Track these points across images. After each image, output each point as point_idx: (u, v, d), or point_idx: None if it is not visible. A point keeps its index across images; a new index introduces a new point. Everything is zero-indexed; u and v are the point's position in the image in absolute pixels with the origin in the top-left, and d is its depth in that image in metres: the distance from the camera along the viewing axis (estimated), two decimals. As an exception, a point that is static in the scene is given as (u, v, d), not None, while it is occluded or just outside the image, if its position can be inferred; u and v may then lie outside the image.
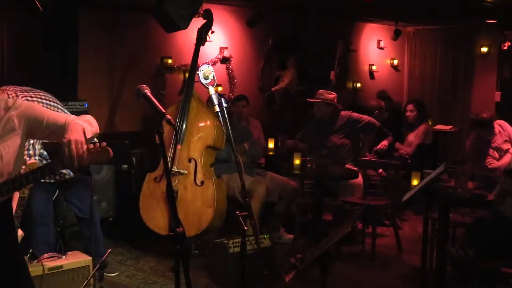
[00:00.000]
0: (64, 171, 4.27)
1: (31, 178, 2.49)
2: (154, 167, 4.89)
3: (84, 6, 5.77)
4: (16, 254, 2.69)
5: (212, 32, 5.63)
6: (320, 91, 6.12)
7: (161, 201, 4.75)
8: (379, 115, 6.99)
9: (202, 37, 5.13)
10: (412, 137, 7.03)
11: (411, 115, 6.99)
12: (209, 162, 4.88)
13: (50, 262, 3.84)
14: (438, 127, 8.55)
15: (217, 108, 2.80)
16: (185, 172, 4.73)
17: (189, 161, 4.75)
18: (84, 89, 5.82)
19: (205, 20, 5.16)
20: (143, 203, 4.85)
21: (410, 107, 7.04)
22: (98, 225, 4.62)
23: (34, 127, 2.60)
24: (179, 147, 4.75)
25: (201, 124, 4.85)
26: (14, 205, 3.42)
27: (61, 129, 2.62)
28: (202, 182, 4.72)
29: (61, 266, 3.85)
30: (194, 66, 5.03)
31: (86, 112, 5.36)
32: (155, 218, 4.78)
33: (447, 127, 8.70)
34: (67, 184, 4.39)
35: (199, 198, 4.71)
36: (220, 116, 2.82)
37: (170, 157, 4.62)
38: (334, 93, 6.11)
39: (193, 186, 4.72)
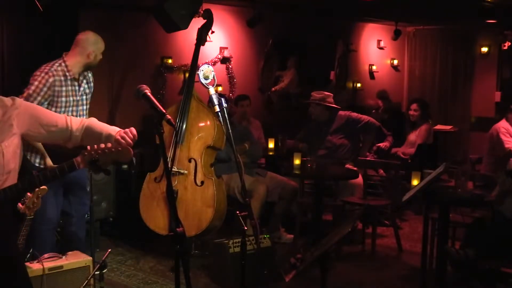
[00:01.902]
0: None
1: (50, 175, 2.50)
2: (154, 167, 4.89)
3: (84, 6, 5.77)
4: (13, 256, 2.70)
5: (212, 32, 5.62)
6: (312, 92, 6.13)
7: (161, 201, 4.75)
8: (377, 114, 7.00)
9: (202, 37, 5.13)
10: (413, 137, 7.03)
11: (415, 114, 7.00)
12: (209, 162, 4.87)
13: (50, 262, 3.83)
14: (438, 127, 8.55)
15: (217, 108, 2.80)
16: (185, 172, 4.72)
17: (189, 161, 4.75)
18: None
19: (205, 20, 5.16)
20: (143, 203, 4.84)
21: (414, 106, 7.04)
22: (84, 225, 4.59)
23: (33, 128, 2.61)
24: (179, 147, 4.75)
25: (201, 124, 4.85)
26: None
27: (61, 131, 2.64)
28: (202, 182, 4.72)
29: (61, 266, 3.85)
30: (194, 66, 5.03)
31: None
32: (155, 218, 4.78)
33: (447, 127, 8.70)
34: (71, 180, 4.30)
35: (199, 198, 4.71)
36: (220, 116, 2.82)
37: (170, 157, 4.62)
38: (324, 93, 6.07)
39: (193, 186, 4.72)
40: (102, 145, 2.44)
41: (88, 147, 2.46)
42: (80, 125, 2.69)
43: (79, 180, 4.42)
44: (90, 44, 4.17)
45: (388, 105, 8.04)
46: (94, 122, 2.72)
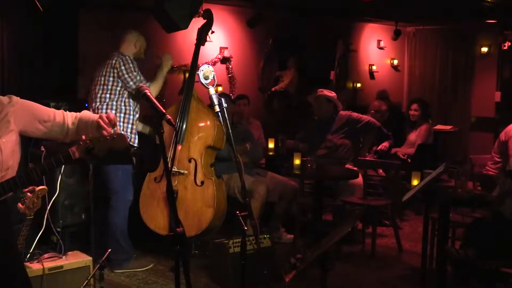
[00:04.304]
0: None
1: (46, 167, 2.51)
2: (154, 167, 4.88)
3: (84, 6, 5.77)
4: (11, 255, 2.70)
5: (212, 32, 5.61)
6: (320, 89, 6.14)
7: (161, 201, 4.75)
8: (377, 116, 6.97)
9: (202, 37, 5.13)
10: (413, 137, 7.03)
11: (415, 114, 6.99)
12: (209, 162, 4.87)
13: (50, 262, 3.84)
14: (438, 127, 8.55)
15: (217, 108, 2.80)
16: (185, 172, 4.73)
17: (189, 161, 4.75)
18: (84, 89, 5.82)
19: (205, 20, 5.16)
20: (143, 203, 4.85)
21: (414, 106, 7.03)
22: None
23: (30, 124, 2.62)
24: (179, 147, 4.75)
25: (201, 124, 4.85)
26: None
27: (59, 126, 2.66)
28: (202, 182, 4.72)
29: (61, 266, 3.86)
30: (194, 66, 5.03)
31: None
32: (155, 218, 4.78)
33: (447, 127, 8.69)
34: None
35: (199, 198, 4.71)
36: (220, 116, 2.81)
37: (170, 157, 4.63)
38: (334, 93, 6.14)
39: (193, 186, 4.72)
40: (97, 134, 2.46)
41: (83, 137, 2.47)
42: (74, 119, 2.71)
43: (104, 183, 4.65)
44: (135, 37, 5.02)
45: (388, 104, 8.01)
46: (85, 113, 2.73)
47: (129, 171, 4.80)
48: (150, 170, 4.90)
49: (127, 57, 4.82)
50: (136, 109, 4.91)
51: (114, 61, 4.78)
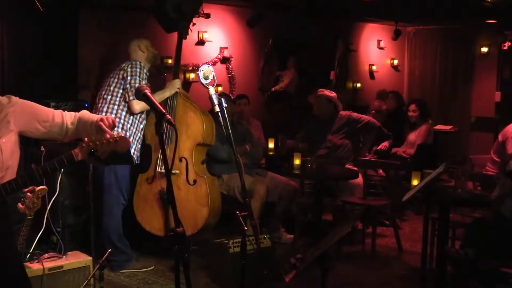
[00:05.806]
0: None
1: (49, 168, 2.51)
2: (145, 168, 4.85)
3: (85, 6, 5.77)
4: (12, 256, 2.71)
5: (193, 24, 5.49)
6: (321, 89, 6.14)
7: (154, 202, 4.74)
8: (377, 114, 6.96)
9: (184, 31, 5.07)
10: (413, 137, 7.02)
11: (414, 115, 6.98)
12: (200, 159, 4.83)
13: (50, 262, 3.84)
14: (438, 127, 8.55)
15: (217, 108, 2.80)
16: (177, 171, 4.70)
17: (180, 160, 4.73)
18: (84, 89, 5.82)
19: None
20: (137, 205, 4.82)
21: (412, 107, 7.03)
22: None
23: (30, 124, 2.63)
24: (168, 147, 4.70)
25: (189, 122, 4.80)
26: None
27: (58, 126, 2.66)
28: (194, 181, 4.70)
29: (61, 266, 3.86)
30: (178, 60, 4.97)
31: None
32: (150, 220, 4.77)
33: (447, 127, 8.69)
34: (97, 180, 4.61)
35: (192, 198, 4.70)
36: (220, 116, 2.81)
37: (160, 157, 4.63)
38: (334, 93, 6.15)
39: (186, 186, 4.70)
40: (100, 136, 2.45)
41: (86, 139, 2.46)
42: (74, 118, 2.71)
43: (99, 182, 4.59)
44: (136, 42, 4.95)
45: (398, 102, 7.90)
46: (85, 113, 2.73)
47: (123, 173, 4.69)
48: (141, 171, 4.85)
49: (138, 62, 4.72)
50: (143, 121, 4.73)
51: (124, 64, 4.72)
